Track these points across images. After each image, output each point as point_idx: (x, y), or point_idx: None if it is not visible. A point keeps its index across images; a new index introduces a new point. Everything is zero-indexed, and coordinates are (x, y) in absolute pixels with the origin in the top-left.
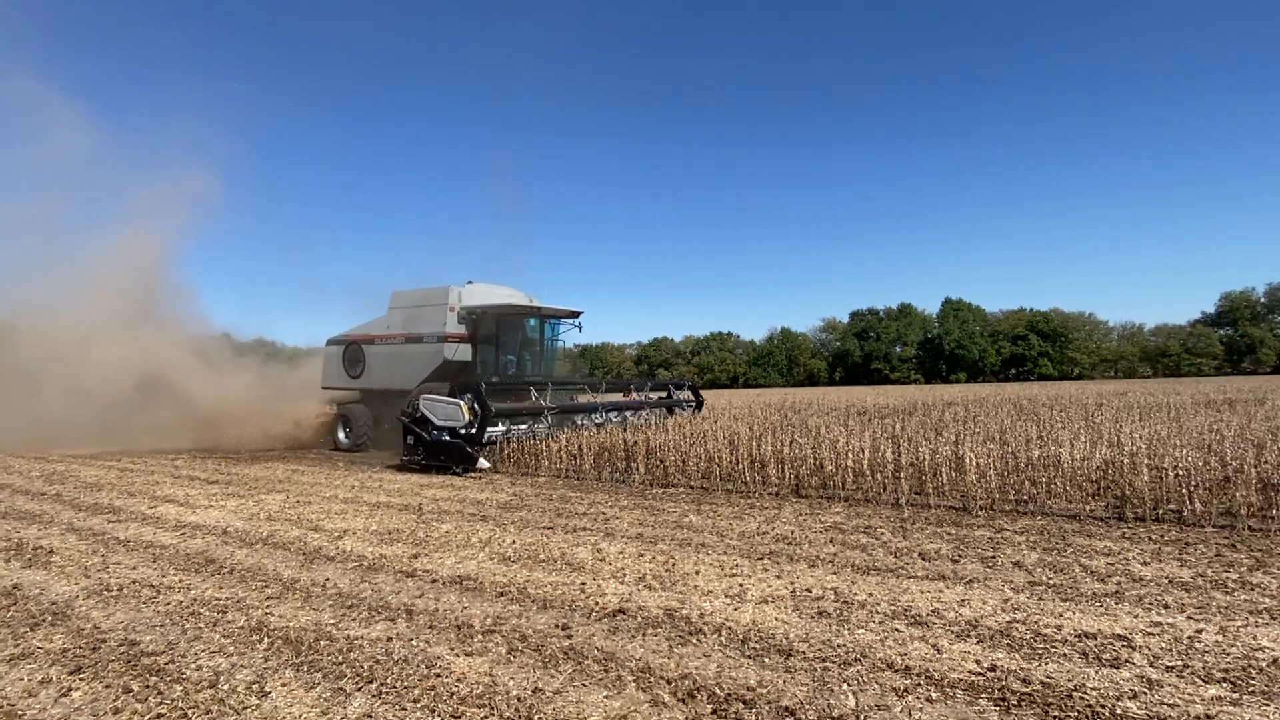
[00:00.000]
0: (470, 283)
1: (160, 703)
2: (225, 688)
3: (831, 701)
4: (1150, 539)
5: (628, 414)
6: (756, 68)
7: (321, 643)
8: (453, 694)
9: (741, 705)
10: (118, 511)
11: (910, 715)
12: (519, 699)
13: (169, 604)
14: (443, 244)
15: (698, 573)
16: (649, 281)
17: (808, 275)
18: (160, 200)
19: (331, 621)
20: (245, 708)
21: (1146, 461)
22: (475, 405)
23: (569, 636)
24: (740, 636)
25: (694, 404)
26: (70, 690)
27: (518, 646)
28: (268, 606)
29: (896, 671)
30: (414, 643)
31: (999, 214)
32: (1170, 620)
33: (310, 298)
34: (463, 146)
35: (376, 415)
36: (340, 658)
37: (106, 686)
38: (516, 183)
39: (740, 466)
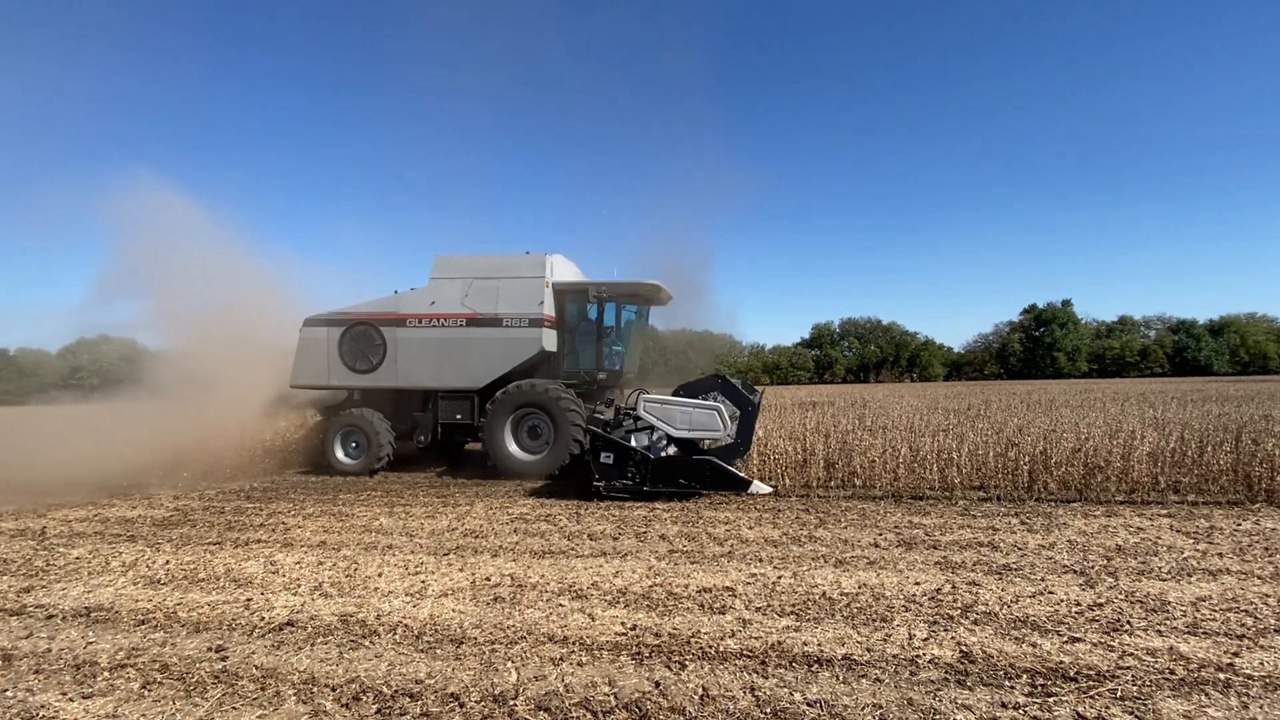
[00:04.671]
0: (526, 254)
1: None
2: None
3: (495, 680)
4: (756, 509)
5: None
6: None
7: None
8: None
9: (408, 699)
10: None
11: (563, 680)
12: None
13: None
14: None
15: (380, 575)
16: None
17: None
18: None
19: None
20: None
21: (757, 449)
22: (734, 409)
23: (224, 659)
24: (416, 632)
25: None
26: None
27: (155, 679)
28: None
29: (556, 642)
30: (9, 694)
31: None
32: (763, 571)
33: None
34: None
35: (402, 424)
36: None
37: None
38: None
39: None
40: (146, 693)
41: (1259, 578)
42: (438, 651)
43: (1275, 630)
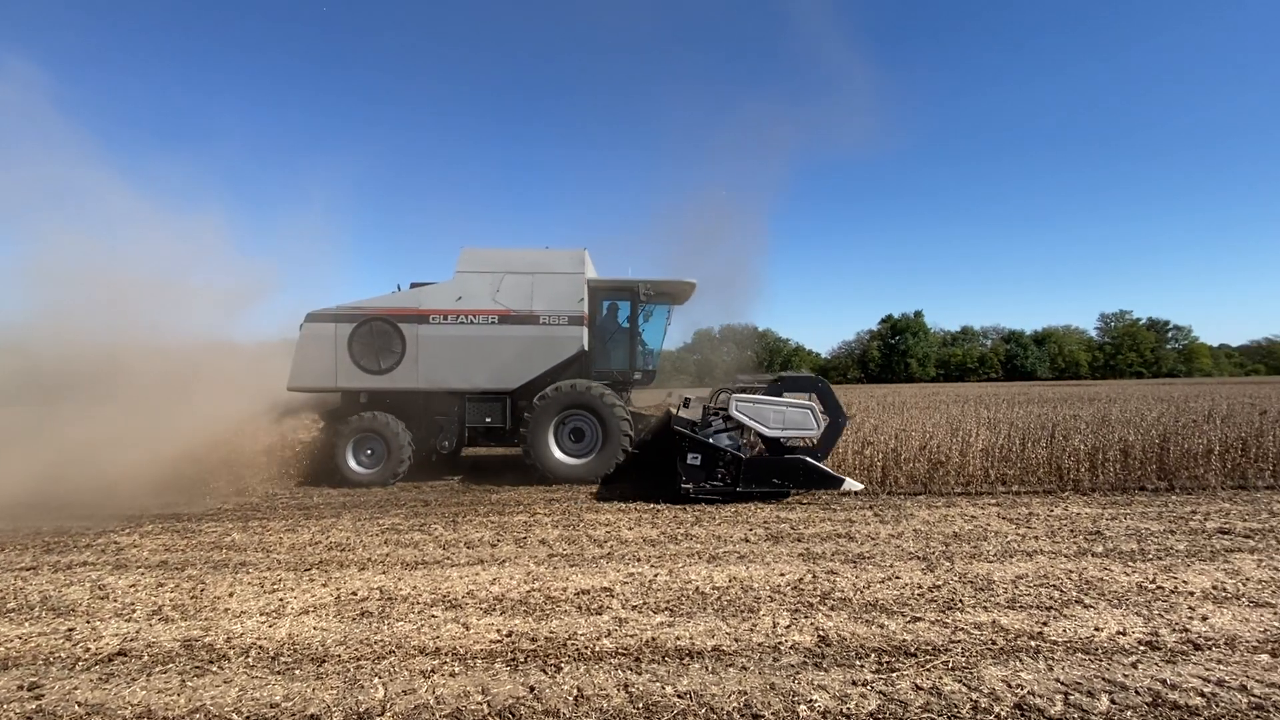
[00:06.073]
0: (547, 249)
1: None
2: None
3: (360, 698)
4: (635, 510)
5: None
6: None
7: None
8: None
9: None
10: None
11: (434, 692)
12: None
13: None
14: None
15: (231, 594)
16: None
17: None
18: None
19: None
20: None
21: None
22: (824, 406)
23: (38, 697)
24: (272, 653)
25: None
26: None
27: None
28: None
29: (427, 655)
30: None
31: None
32: (640, 570)
33: None
34: None
35: (418, 429)
36: None
37: None
38: None
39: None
40: None
41: (1065, 556)
42: (296, 672)
43: (1076, 601)
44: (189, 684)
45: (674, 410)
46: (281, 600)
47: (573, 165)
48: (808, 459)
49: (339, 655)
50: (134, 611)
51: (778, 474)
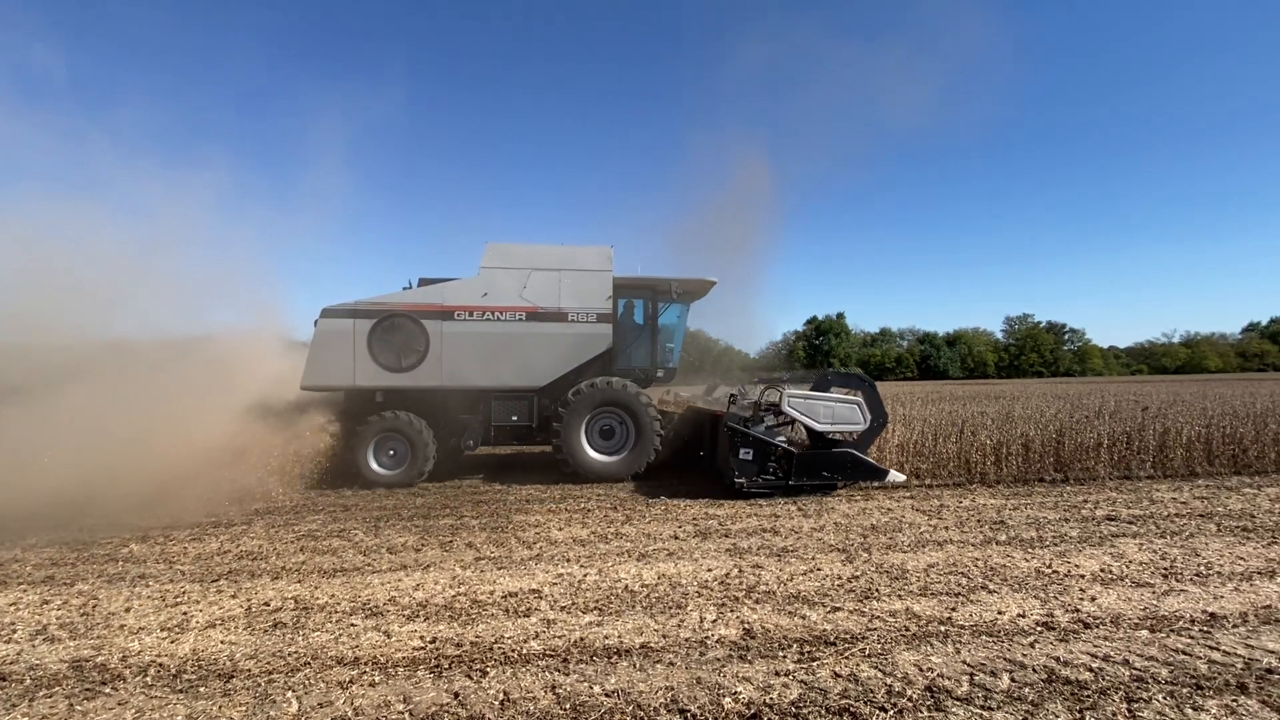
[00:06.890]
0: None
1: None
2: None
3: (273, 713)
4: (565, 510)
5: None
6: None
7: None
8: None
9: None
10: None
11: (353, 703)
12: None
13: None
14: None
15: (129, 610)
16: None
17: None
18: None
19: None
20: None
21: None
22: (869, 403)
23: None
24: (173, 671)
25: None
26: None
27: None
28: None
29: (345, 665)
30: None
31: None
32: (569, 570)
33: None
34: None
35: (438, 427)
36: None
37: None
38: None
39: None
40: None
41: (972, 545)
42: (201, 690)
43: (982, 587)
44: (78, 708)
45: (720, 407)
46: (185, 614)
47: (564, 166)
48: (855, 452)
49: (249, 670)
50: (14, 632)
51: (827, 467)
